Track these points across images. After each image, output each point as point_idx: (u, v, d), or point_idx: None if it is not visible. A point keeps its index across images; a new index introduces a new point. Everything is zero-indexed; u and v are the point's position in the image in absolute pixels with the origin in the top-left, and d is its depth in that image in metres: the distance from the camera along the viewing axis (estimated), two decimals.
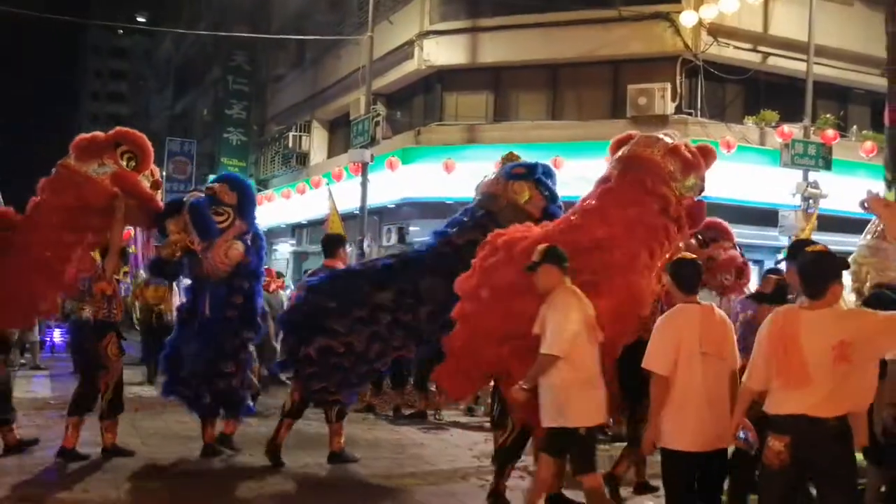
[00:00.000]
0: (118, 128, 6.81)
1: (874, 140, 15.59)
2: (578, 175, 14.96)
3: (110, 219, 6.54)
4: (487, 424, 9.06)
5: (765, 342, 3.88)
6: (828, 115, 16.06)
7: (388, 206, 17.34)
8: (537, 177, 6.63)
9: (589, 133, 15.58)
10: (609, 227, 5.44)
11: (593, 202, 5.70)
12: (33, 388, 10.94)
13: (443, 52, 17.36)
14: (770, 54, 16.02)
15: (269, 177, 26.10)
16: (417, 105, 18.92)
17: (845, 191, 13.20)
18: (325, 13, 22.07)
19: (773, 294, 5.65)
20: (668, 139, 5.77)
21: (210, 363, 6.81)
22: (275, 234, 25.32)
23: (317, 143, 23.44)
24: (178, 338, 7.15)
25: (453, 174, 15.23)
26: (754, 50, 16.01)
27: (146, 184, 6.65)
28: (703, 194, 5.86)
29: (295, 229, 23.79)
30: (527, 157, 16.22)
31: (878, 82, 16.86)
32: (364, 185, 15.82)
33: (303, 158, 23.43)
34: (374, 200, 16.18)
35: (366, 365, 6.57)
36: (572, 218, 5.67)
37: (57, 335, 15.26)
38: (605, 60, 16.29)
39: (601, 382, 5.00)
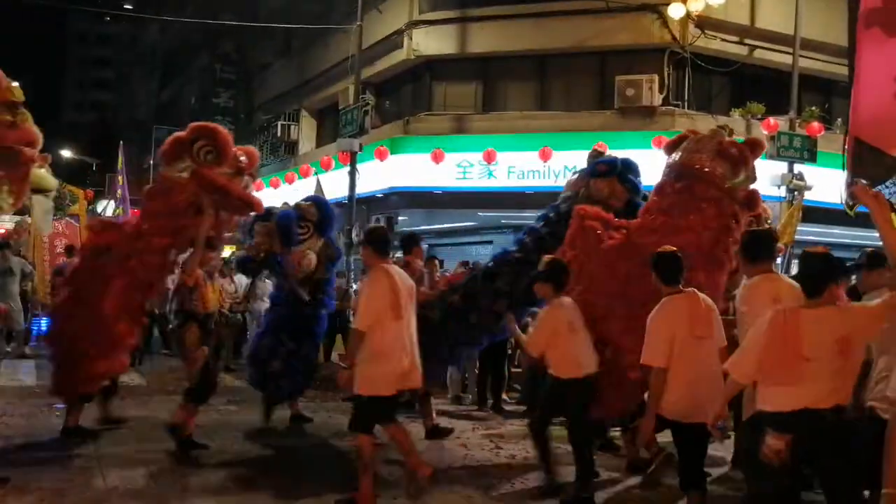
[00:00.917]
0: (193, 124, 6.86)
1: None
2: (567, 165, 15.21)
3: (200, 216, 6.69)
4: (476, 413, 9.18)
5: (762, 339, 3.94)
6: (813, 108, 16.17)
7: (377, 195, 17.36)
8: (618, 172, 6.99)
9: (577, 123, 15.67)
10: (679, 234, 5.86)
11: (660, 214, 6.20)
12: (19, 375, 10.91)
13: (432, 41, 17.37)
14: (756, 47, 16.15)
15: (258, 165, 25.99)
16: (406, 94, 18.92)
17: (830, 182, 13.33)
18: (313, 2, 21.98)
19: None
20: (714, 142, 6.17)
21: (287, 352, 7.65)
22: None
23: (305, 131, 23.40)
24: (264, 332, 8.05)
25: (442, 164, 15.28)
26: (741, 42, 16.14)
27: (227, 174, 6.64)
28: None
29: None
30: (515, 147, 16.39)
31: None
32: (353, 174, 15.83)
33: (291, 147, 23.38)
34: (362, 189, 16.20)
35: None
36: (650, 219, 6.23)
37: (45, 324, 15.20)
38: (593, 51, 16.37)
39: (401, 356, 5.31)
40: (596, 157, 7.47)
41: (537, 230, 7.19)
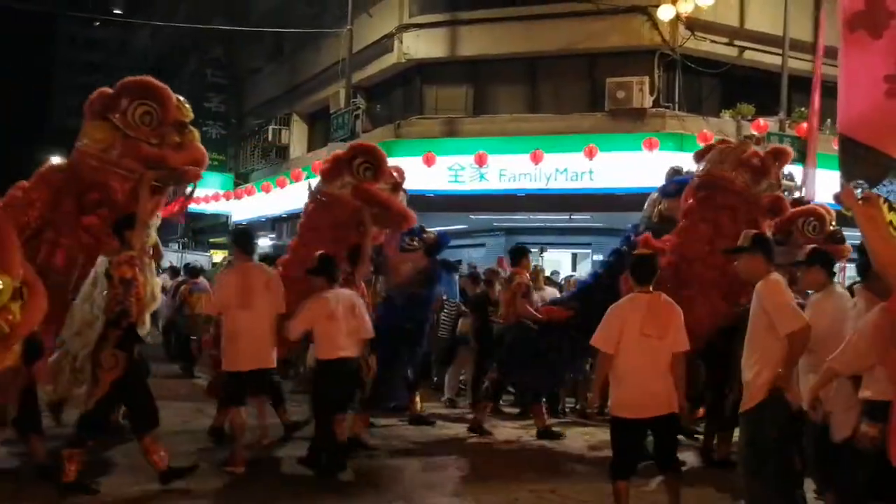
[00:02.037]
0: (354, 142, 7.37)
1: None
2: (558, 167, 15.24)
3: (354, 233, 6.96)
4: (470, 415, 9.17)
5: (877, 332, 4.12)
6: (802, 109, 16.21)
7: None
8: None
9: (568, 126, 15.68)
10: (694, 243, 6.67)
11: (686, 220, 6.86)
12: None
13: (422, 45, 17.38)
14: (746, 48, 16.17)
15: (248, 170, 25.98)
16: (397, 98, 18.92)
17: (820, 182, 13.41)
18: (303, 6, 21.97)
19: None
20: (737, 152, 6.71)
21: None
22: (254, 228, 25.21)
23: (296, 136, 23.37)
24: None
25: (433, 167, 15.28)
26: (730, 44, 16.16)
27: (386, 189, 6.94)
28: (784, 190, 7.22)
29: (275, 223, 23.70)
30: (506, 149, 16.38)
31: None
32: None
33: (282, 152, 23.34)
34: None
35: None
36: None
37: None
38: (583, 54, 16.39)
39: (250, 337, 6.31)
40: (672, 175, 7.80)
41: (619, 251, 7.64)
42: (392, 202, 6.97)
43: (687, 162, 14.89)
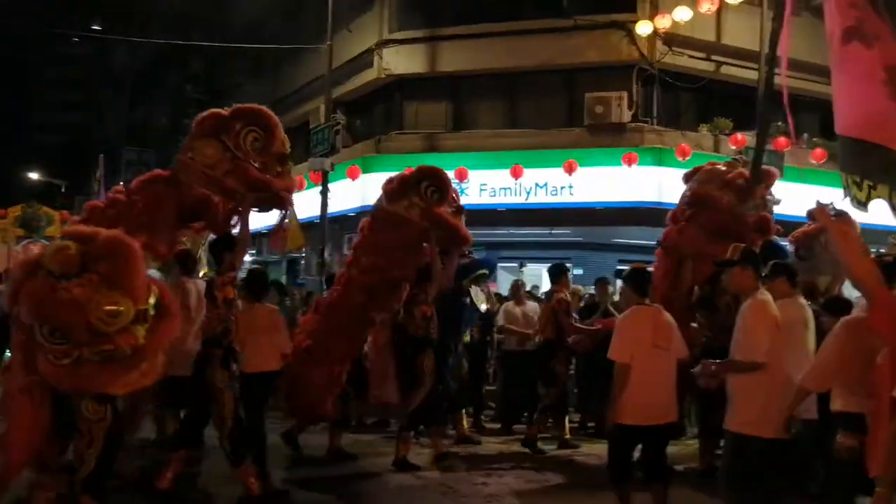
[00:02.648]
0: (420, 165, 7.38)
1: (824, 147, 15.98)
2: (538, 182, 15.30)
3: (419, 252, 7.14)
4: (450, 432, 9.13)
5: (843, 349, 4.28)
6: (779, 123, 16.37)
7: (349, 213, 17.30)
8: None
9: (547, 141, 15.76)
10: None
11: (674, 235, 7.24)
12: None
13: (402, 60, 17.42)
14: (723, 63, 16.33)
15: None
16: (377, 113, 18.94)
17: (797, 196, 13.51)
18: (283, 21, 21.98)
19: None
20: (721, 173, 7.08)
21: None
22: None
23: None
24: None
25: None
26: (708, 59, 16.32)
27: (450, 213, 7.14)
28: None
29: (255, 238, 23.56)
30: (486, 165, 16.47)
31: (827, 91, 17.27)
32: (324, 193, 15.80)
33: None
34: (334, 209, 16.17)
35: None
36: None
37: None
38: (562, 69, 16.48)
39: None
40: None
41: None
42: (458, 226, 7.19)
43: (666, 175, 15.09)
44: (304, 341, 7.25)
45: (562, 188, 15.05)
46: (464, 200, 15.64)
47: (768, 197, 14.37)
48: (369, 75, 17.97)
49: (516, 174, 14.78)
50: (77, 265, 4.35)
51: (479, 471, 7.41)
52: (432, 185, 6.97)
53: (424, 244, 7.14)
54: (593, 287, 10.01)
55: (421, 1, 17.61)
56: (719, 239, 6.49)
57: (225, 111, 5.93)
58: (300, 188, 17.04)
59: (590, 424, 9.52)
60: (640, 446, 5.58)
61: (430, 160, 16.21)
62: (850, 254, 3.86)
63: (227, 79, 26.51)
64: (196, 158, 5.72)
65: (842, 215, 4.38)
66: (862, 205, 4.91)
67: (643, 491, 5.58)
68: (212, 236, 6.57)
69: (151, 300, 4.65)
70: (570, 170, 14.37)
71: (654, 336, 5.43)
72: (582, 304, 9.98)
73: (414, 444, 7.81)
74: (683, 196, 7.35)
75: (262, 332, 6.51)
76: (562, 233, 16.32)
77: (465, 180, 15.49)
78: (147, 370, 4.77)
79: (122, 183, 29.68)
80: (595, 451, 7.93)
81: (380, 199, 7.34)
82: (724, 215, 6.90)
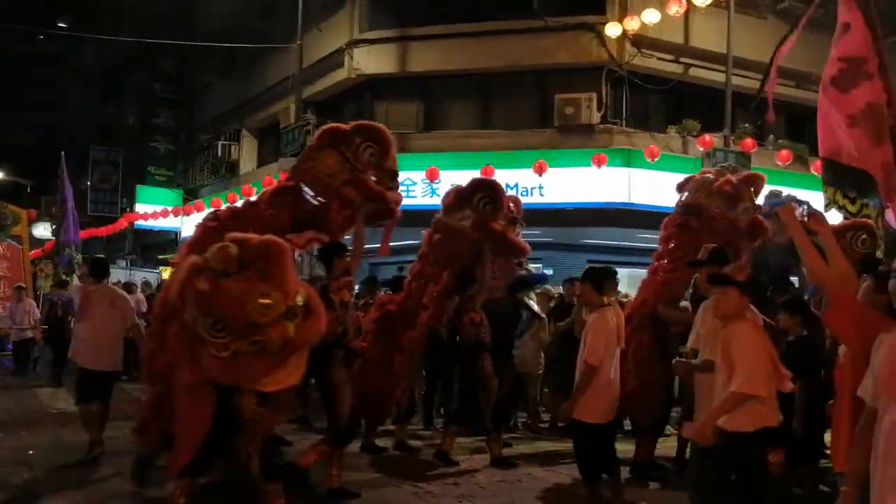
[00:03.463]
0: (475, 178, 7.70)
1: (790, 149, 16.22)
2: (509, 183, 15.33)
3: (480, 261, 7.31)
4: (423, 432, 9.13)
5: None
6: (746, 125, 16.60)
7: None
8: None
9: (518, 142, 15.83)
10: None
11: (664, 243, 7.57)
12: None
13: (373, 60, 17.40)
14: (691, 65, 16.50)
15: (198, 186, 25.68)
16: (348, 113, 18.84)
17: (763, 198, 13.69)
18: (253, 21, 21.85)
19: None
20: (709, 180, 7.39)
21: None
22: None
23: (246, 151, 23.17)
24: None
25: None
26: (676, 61, 16.48)
27: (502, 224, 7.29)
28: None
29: None
30: (457, 165, 16.50)
31: (792, 93, 17.56)
32: None
33: (232, 167, 23.15)
34: None
35: None
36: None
37: None
38: (532, 70, 16.56)
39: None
40: (772, 198, 8.26)
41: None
42: (510, 236, 7.34)
43: (635, 176, 15.24)
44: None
45: (532, 189, 15.12)
46: (435, 200, 15.82)
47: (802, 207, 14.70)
48: (340, 75, 17.92)
49: (487, 175, 14.80)
50: (236, 264, 4.78)
51: (450, 470, 7.42)
52: (486, 197, 7.22)
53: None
54: (562, 287, 10.11)
55: (392, 1, 17.58)
56: (712, 242, 6.73)
57: (345, 126, 6.28)
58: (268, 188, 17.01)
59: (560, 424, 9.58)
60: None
61: (401, 160, 16.15)
62: (809, 253, 3.94)
63: (198, 78, 26.33)
64: (317, 167, 6.09)
65: (815, 215, 4.47)
66: (852, 215, 5.54)
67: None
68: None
69: (300, 299, 4.95)
70: (540, 170, 14.44)
71: (619, 335, 5.74)
72: (552, 304, 10.04)
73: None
74: (677, 204, 7.70)
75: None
76: (531, 233, 16.32)
77: (437, 180, 15.52)
78: (294, 367, 5.10)
79: (89, 182, 29.10)
80: (562, 448, 7.98)
81: (439, 213, 7.72)
82: (714, 221, 7.18)
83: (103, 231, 26.66)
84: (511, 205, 7.78)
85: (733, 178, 7.55)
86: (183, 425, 5.17)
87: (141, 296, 14.93)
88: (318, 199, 6.24)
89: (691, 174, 8.38)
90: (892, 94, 5.19)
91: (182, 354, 5.07)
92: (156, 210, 24.04)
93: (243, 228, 5.60)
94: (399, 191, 6.95)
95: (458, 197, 7.37)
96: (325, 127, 6.37)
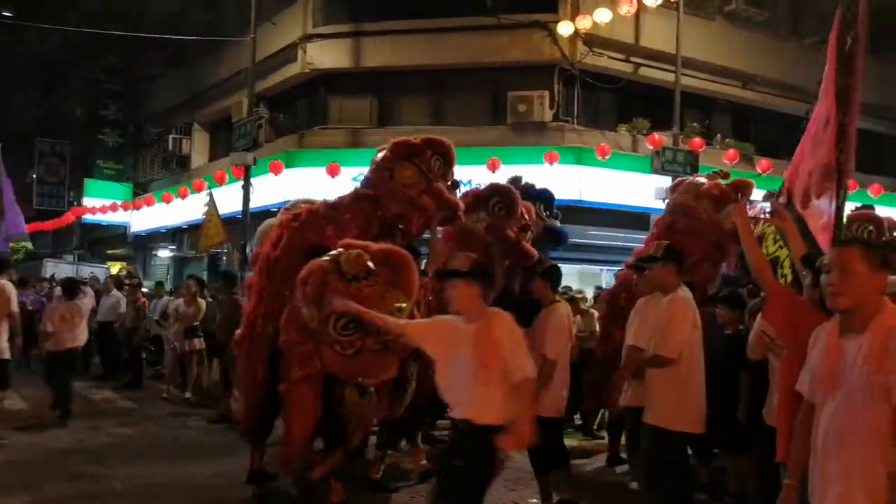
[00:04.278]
0: (492, 182, 7.76)
1: (736, 148, 16.61)
2: (462, 179, 15.42)
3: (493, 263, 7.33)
4: None
5: None
6: (694, 124, 16.94)
7: (272, 209, 17.11)
8: None
9: (471, 139, 15.86)
10: None
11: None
12: None
13: (326, 55, 17.32)
14: (641, 65, 16.76)
15: (148, 180, 25.28)
16: (301, 108, 18.79)
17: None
18: (204, 12, 21.56)
19: None
20: (698, 184, 7.75)
21: None
22: (154, 239, 24.56)
23: (198, 145, 22.88)
24: None
25: (338, 177, 15.24)
26: (627, 60, 16.71)
27: (514, 230, 7.38)
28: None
29: (175, 234, 23.15)
30: None
31: (739, 94, 18.01)
32: (247, 188, 15.59)
33: (183, 161, 22.82)
34: (257, 204, 15.97)
35: None
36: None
37: None
38: (486, 67, 16.63)
39: None
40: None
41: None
42: (520, 242, 7.46)
43: (586, 174, 15.45)
44: None
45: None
46: None
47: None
48: (293, 69, 17.79)
49: None
50: (366, 270, 5.22)
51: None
52: (501, 202, 7.34)
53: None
54: None
55: None
56: (699, 243, 7.22)
57: (417, 140, 6.66)
58: (220, 182, 16.86)
59: None
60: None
61: (355, 155, 16.25)
62: (752, 250, 4.08)
63: (146, 70, 25.87)
64: (396, 178, 6.44)
65: (777, 211, 4.69)
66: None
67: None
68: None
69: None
70: (493, 168, 14.54)
71: (570, 331, 6.05)
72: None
73: None
74: (667, 205, 8.06)
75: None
76: None
77: None
78: (397, 363, 5.63)
79: (34, 175, 28.45)
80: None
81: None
82: (700, 223, 7.43)
83: (49, 225, 26.10)
84: (524, 211, 7.93)
85: (722, 182, 7.86)
86: (293, 418, 5.58)
87: (90, 290, 14.70)
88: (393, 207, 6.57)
89: (683, 178, 8.90)
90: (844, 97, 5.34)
91: (296, 350, 5.49)
92: (104, 204, 23.61)
93: (322, 230, 6.13)
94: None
95: (475, 199, 7.51)
96: (397, 140, 6.72)
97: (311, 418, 5.55)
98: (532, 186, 8.53)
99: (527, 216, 7.76)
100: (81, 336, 10.08)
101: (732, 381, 5.89)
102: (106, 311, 13.94)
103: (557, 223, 8.73)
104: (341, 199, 6.57)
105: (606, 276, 16.04)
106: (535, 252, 7.66)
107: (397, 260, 5.36)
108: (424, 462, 7.35)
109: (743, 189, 7.76)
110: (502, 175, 14.69)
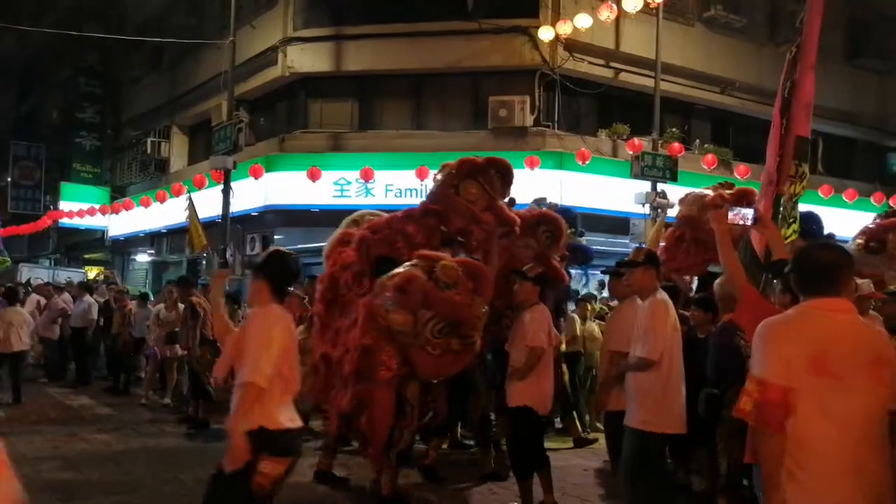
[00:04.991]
0: (542, 210, 8.05)
1: (714, 153, 16.74)
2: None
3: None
4: None
5: None
6: (673, 129, 17.05)
7: (252, 213, 17.06)
8: None
9: (452, 143, 15.91)
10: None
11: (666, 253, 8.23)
12: None
13: (307, 58, 17.26)
14: (621, 70, 16.85)
15: (126, 184, 25.04)
16: (281, 112, 18.70)
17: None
18: (184, 15, 21.41)
19: None
20: (702, 195, 8.23)
21: None
22: (133, 243, 24.33)
23: (177, 149, 22.71)
24: None
25: (318, 181, 15.20)
26: (607, 66, 16.80)
27: (557, 260, 7.66)
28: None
29: (154, 238, 22.95)
30: (392, 165, 16.53)
31: (717, 99, 18.16)
32: (226, 192, 15.49)
33: (162, 165, 22.65)
34: (237, 208, 15.89)
35: None
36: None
37: None
38: (467, 72, 16.67)
39: None
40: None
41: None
42: (559, 270, 7.66)
43: (566, 179, 15.52)
44: None
45: None
46: (369, 201, 15.95)
47: (659, 198, 15.10)
48: (273, 73, 17.71)
49: (422, 175, 14.87)
50: (458, 279, 5.81)
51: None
52: (549, 230, 7.53)
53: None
54: None
55: None
56: (705, 252, 7.51)
57: (480, 159, 7.06)
58: (200, 186, 16.74)
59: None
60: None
61: (336, 159, 16.24)
62: (728, 257, 4.12)
63: (125, 73, 25.65)
64: (461, 194, 6.83)
65: (760, 219, 4.76)
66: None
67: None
68: None
69: None
70: None
71: (552, 330, 6.26)
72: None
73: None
74: (677, 217, 8.52)
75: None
76: None
77: (371, 180, 15.52)
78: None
79: (9, 178, 28.09)
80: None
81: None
82: (706, 233, 7.56)
83: (25, 229, 25.81)
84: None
85: (725, 193, 8.12)
86: (378, 416, 5.99)
87: (67, 296, 14.55)
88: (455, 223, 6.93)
89: (693, 190, 9.16)
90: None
91: (380, 353, 5.92)
92: (82, 208, 23.37)
93: (394, 241, 6.63)
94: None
95: (525, 225, 7.60)
96: (462, 159, 7.11)
97: (392, 416, 6.03)
98: (556, 206, 9.02)
99: (561, 250, 7.98)
100: (25, 341, 11.44)
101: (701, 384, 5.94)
102: (77, 317, 13.76)
103: (582, 241, 8.89)
104: (411, 212, 6.96)
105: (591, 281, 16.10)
106: (567, 278, 7.96)
107: (477, 271, 5.99)
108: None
109: (746, 198, 7.95)
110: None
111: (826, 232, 8.48)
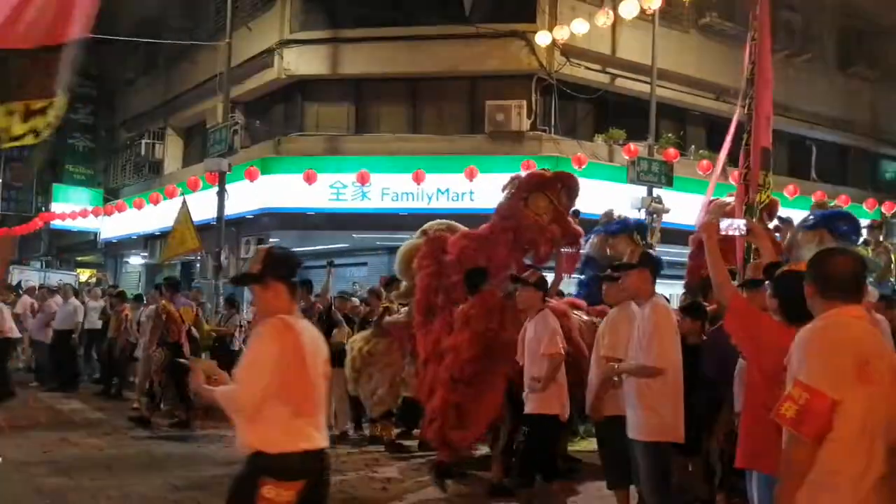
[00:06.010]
0: (558, 171, 8.20)
1: (710, 159, 16.73)
2: (440, 188, 15.42)
3: None
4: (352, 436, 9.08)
5: None
6: (669, 135, 17.05)
7: (247, 216, 16.98)
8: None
9: (449, 147, 15.91)
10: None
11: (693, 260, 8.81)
12: None
13: (303, 61, 17.21)
14: (617, 76, 16.86)
15: (120, 185, 24.94)
16: (277, 114, 18.64)
17: (685, 206, 14.10)
18: (179, 16, 21.34)
19: None
20: (723, 203, 8.51)
21: None
22: (126, 245, 24.22)
23: (171, 150, 22.63)
24: None
25: (314, 185, 15.15)
26: (603, 71, 16.82)
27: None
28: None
29: (148, 241, 22.83)
30: (389, 169, 16.50)
31: (713, 105, 18.16)
32: (221, 194, 15.39)
33: (156, 167, 22.56)
34: (232, 211, 15.80)
35: None
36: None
37: None
38: (464, 76, 16.66)
39: None
40: (610, 218, 9.62)
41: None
42: (575, 228, 7.81)
43: None
44: None
45: (463, 194, 15.23)
46: (366, 204, 15.94)
47: (654, 203, 15.11)
48: (269, 75, 17.66)
49: (418, 179, 14.85)
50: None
51: (378, 476, 7.42)
52: (566, 187, 7.72)
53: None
54: None
55: (324, 2, 17.44)
56: (727, 260, 7.39)
57: (548, 173, 7.51)
58: (194, 188, 16.65)
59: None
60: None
61: (331, 163, 16.18)
62: (713, 264, 4.10)
63: (119, 74, 25.55)
64: (529, 206, 7.18)
65: (752, 230, 4.78)
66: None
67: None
68: None
69: None
70: (470, 176, 14.53)
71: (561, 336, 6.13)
72: None
73: None
74: (698, 224, 8.63)
75: None
76: None
77: (367, 184, 15.47)
78: None
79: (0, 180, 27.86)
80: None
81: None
82: (725, 241, 7.91)
83: (16, 231, 25.65)
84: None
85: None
86: (491, 401, 6.53)
87: (76, 301, 14.18)
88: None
89: (715, 198, 9.29)
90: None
91: (499, 346, 6.47)
92: (74, 210, 23.25)
93: (477, 259, 7.01)
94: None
95: (542, 181, 7.80)
96: (531, 172, 7.60)
97: (495, 410, 6.61)
98: (627, 219, 9.55)
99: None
100: None
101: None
102: (62, 320, 13.62)
103: (652, 251, 8.95)
104: (490, 228, 7.31)
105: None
106: (582, 232, 8.17)
107: None
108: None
109: (768, 207, 7.97)
110: (481, 183, 14.81)
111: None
